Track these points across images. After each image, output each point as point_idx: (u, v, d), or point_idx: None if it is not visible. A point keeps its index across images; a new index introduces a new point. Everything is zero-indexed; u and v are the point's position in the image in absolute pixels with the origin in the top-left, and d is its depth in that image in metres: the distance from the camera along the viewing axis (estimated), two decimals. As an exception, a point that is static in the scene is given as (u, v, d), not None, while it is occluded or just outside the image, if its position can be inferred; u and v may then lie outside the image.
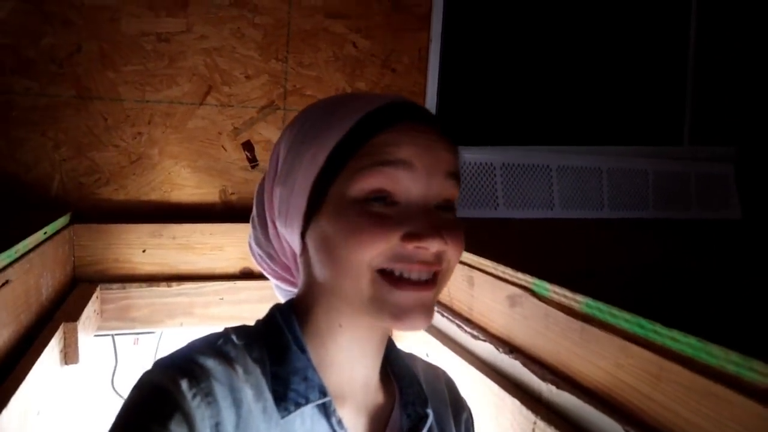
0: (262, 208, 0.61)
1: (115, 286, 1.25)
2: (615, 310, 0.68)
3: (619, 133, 2.01)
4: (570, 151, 1.79)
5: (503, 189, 1.66)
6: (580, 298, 0.72)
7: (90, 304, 1.11)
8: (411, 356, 0.70)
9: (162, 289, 1.28)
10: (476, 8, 1.79)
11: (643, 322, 0.64)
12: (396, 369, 0.63)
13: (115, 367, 1.44)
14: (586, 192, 1.77)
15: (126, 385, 1.46)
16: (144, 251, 1.30)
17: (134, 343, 1.47)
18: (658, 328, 0.62)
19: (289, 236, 0.57)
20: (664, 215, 1.87)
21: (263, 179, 0.61)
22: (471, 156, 1.63)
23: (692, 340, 0.59)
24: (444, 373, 0.72)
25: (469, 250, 0.95)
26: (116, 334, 1.41)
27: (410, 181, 0.50)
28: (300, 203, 0.53)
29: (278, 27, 1.48)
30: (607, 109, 2.01)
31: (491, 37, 1.82)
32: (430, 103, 1.63)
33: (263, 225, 0.61)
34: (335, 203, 0.51)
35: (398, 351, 0.66)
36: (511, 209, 1.65)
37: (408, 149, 0.50)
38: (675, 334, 0.61)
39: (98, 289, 1.21)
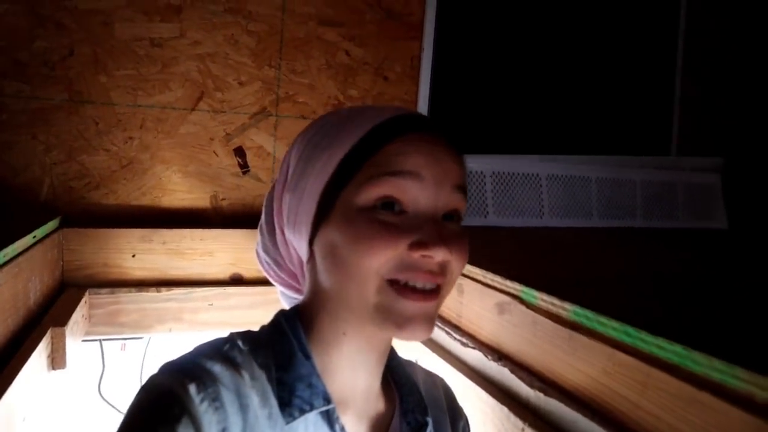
0: (270, 214, 0.62)
1: (104, 290, 1.24)
2: (603, 318, 0.68)
3: (608, 142, 2.03)
4: (560, 160, 1.80)
5: (493, 197, 1.67)
6: (568, 305, 0.73)
7: (78, 308, 1.11)
8: (411, 364, 0.71)
9: (151, 294, 1.27)
10: (468, 18, 1.80)
11: (630, 330, 0.65)
12: (396, 377, 0.64)
13: (102, 372, 1.43)
14: (575, 201, 1.78)
15: (113, 391, 1.44)
16: (134, 256, 1.29)
17: (121, 349, 1.45)
18: (645, 336, 0.63)
19: (297, 243, 0.57)
20: (652, 224, 1.90)
21: (273, 187, 0.62)
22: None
23: (678, 347, 0.60)
24: (442, 380, 0.73)
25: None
26: (104, 339, 1.40)
27: (418, 191, 0.51)
28: (309, 210, 0.54)
29: (272, 34, 1.49)
30: (596, 118, 2.03)
31: (483, 47, 1.84)
32: (422, 111, 1.64)
33: (271, 232, 0.62)
34: (344, 211, 0.52)
35: (399, 359, 0.67)
36: (501, 217, 1.66)
37: (417, 160, 0.51)
38: (661, 342, 0.61)
39: (87, 293, 1.20)
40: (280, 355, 0.54)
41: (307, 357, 0.54)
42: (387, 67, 1.62)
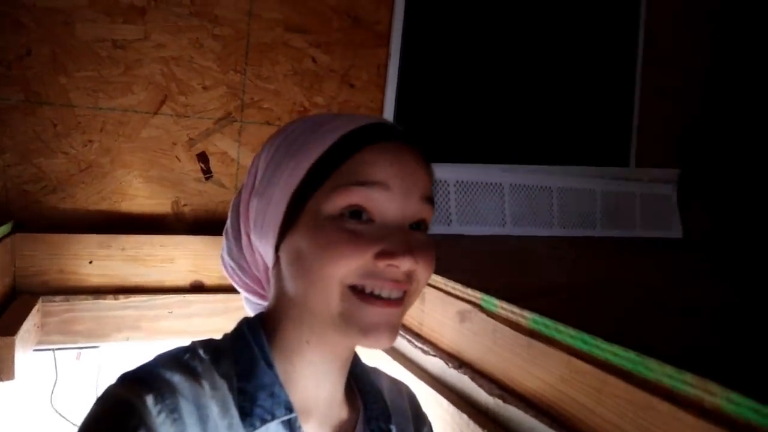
0: (236, 219, 0.61)
1: (58, 298, 1.20)
2: (560, 326, 0.69)
3: (569, 153, 2.08)
4: (522, 170, 1.84)
5: (457, 205, 1.69)
6: (527, 314, 0.74)
7: (30, 317, 1.07)
8: (375, 371, 0.71)
9: (108, 301, 1.24)
10: (435, 27, 1.82)
11: (587, 337, 0.66)
12: (361, 384, 0.64)
13: (55, 383, 1.38)
14: (536, 210, 1.82)
15: (66, 403, 1.40)
16: (91, 262, 1.26)
17: (76, 358, 1.41)
18: (600, 343, 0.64)
19: (263, 248, 0.57)
20: (611, 233, 1.94)
21: (240, 191, 0.61)
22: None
23: (631, 354, 0.61)
24: (407, 387, 0.73)
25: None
26: (58, 349, 1.35)
27: (386, 201, 0.51)
28: (276, 216, 0.53)
29: (238, 39, 1.48)
30: (559, 130, 2.08)
31: (449, 56, 1.86)
32: (387, 119, 1.65)
33: (237, 236, 0.62)
34: (311, 218, 0.51)
35: (363, 366, 0.67)
36: (464, 225, 1.67)
37: (386, 170, 0.51)
38: (615, 348, 0.63)
39: (40, 301, 1.16)
40: (242, 363, 0.54)
41: (270, 366, 0.54)
42: (353, 74, 1.62)
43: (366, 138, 0.53)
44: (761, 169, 2.30)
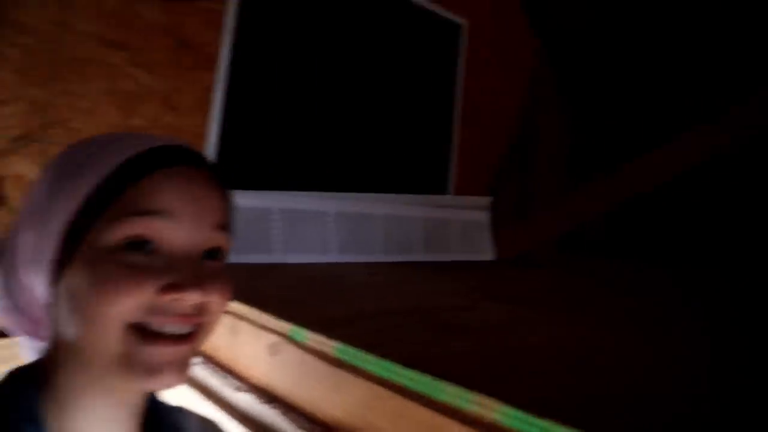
0: (11, 253, 0.54)
1: None
2: (363, 354, 0.72)
3: (394, 182, 2.22)
4: (348, 198, 1.89)
5: (281, 233, 1.67)
6: (333, 343, 0.76)
7: None
8: (182, 411, 0.66)
9: None
10: (263, 53, 1.82)
11: (387, 364, 0.69)
12: (159, 428, 0.60)
13: None
14: (362, 237, 1.87)
15: None
16: None
17: None
18: (399, 368, 0.68)
19: (38, 286, 0.51)
20: (431, 258, 2.08)
21: (14, 222, 0.55)
22: (248, 200, 1.61)
23: (427, 378, 0.65)
24: (216, 426, 0.70)
25: (235, 298, 0.94)
26: None
27: (172, 230, 0.48)
28: (50, 249, 0.48)
29: (44, 50, 1.34)
30: (384, 159, 2.21)
31: (276, 83, 1.87)
32: (211, 144, 1.60)
33: (11, 272, 0.54)
34: (89, 252, 0.47)
35: (165, 407, 0.62)
36: (288, 254, 1.67)
37: (171, 198, 0.48)
38: (413, 374, 0.67)
39: None
40: (1, 425, 0.48)
41: (35, 423, 0.48)
42: (176, 97, 1.56)
43: (151, 163, 0.49)
44: (561, 195, 2.65)
